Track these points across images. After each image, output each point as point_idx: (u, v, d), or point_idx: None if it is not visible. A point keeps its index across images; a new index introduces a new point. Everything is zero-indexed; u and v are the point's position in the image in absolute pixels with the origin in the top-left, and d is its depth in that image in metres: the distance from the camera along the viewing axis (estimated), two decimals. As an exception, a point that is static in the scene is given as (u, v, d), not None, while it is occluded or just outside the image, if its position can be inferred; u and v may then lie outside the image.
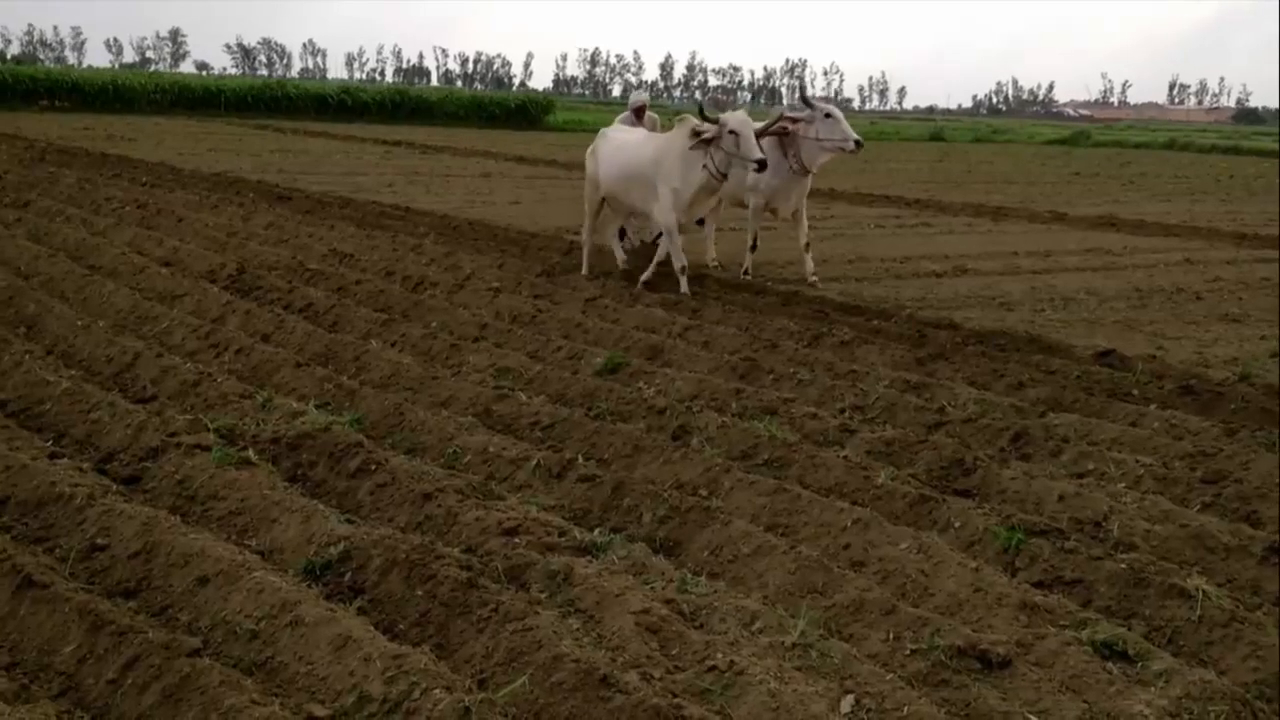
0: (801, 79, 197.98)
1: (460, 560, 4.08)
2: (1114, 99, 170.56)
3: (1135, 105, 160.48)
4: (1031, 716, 3.35)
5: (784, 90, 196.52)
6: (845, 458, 5.63)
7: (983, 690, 3.50)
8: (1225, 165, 40.06)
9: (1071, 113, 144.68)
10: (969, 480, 5.53)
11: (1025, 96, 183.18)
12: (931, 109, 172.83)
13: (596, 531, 4.71)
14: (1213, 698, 3.39)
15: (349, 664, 3.42)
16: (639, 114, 12.73)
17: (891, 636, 3.85)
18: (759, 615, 3.93)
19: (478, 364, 7.33)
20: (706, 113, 9.99)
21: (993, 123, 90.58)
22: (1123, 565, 4.34)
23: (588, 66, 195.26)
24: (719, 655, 3.55)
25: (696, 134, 9.69)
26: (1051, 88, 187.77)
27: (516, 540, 4.38)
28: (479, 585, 3.89)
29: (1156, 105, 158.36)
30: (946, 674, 3.60)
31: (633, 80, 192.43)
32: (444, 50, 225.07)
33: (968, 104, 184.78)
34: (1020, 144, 55.94)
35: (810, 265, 11.66)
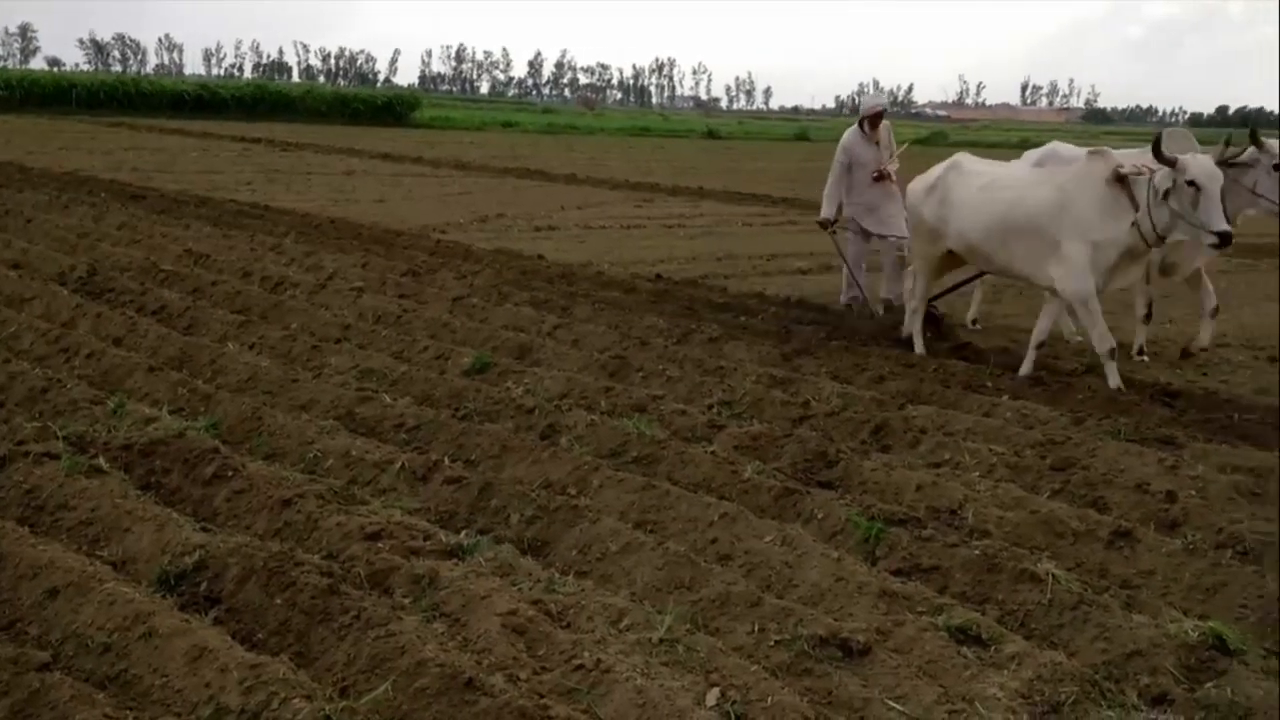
0: (670, 78, 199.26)
1: (321, 567, 4.00)
2: (970, 100, 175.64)
3: (990, 106, 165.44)
4: (890, 702, 3.42)
5: (653, 89, 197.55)
6: (713, 453, 5.68)
7: (844, 678, 3.56)
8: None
9: (930, 113, 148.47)
10: (832, 472, 5.62)
11: (886, 97, 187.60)
12: (797, 109, 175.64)
13: (463, 534, 4.66)
14: (1062, 679, 3.51)
15: (205, 675, 3.33)
16: (874, 123, 10.17)
17: (757, 628, 3.90)
18: (627, 612, 3.94)
19: (340, 366, 7.20)
20: (1163, 150, 7.02)
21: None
22: (977, 552, 4.46)
23: (454, 63, 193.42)
24: (586, 654, 3.54)
25: (1120, 176, 7.28)
26: (911, 89, 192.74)
27: (380, 545, 4.31)
28: (340, 592, 3.82)
29: (1010, 106, 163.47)
30: (809, 663, 3.65)
31: (500, 77, 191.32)
32: (305, 46, 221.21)
33: (831, 105, 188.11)
34: (882, 143, 57.15)
35: (1205, 336, 8.83)
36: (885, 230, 10.00)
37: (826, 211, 10.27)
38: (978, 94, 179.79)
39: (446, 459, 5.48)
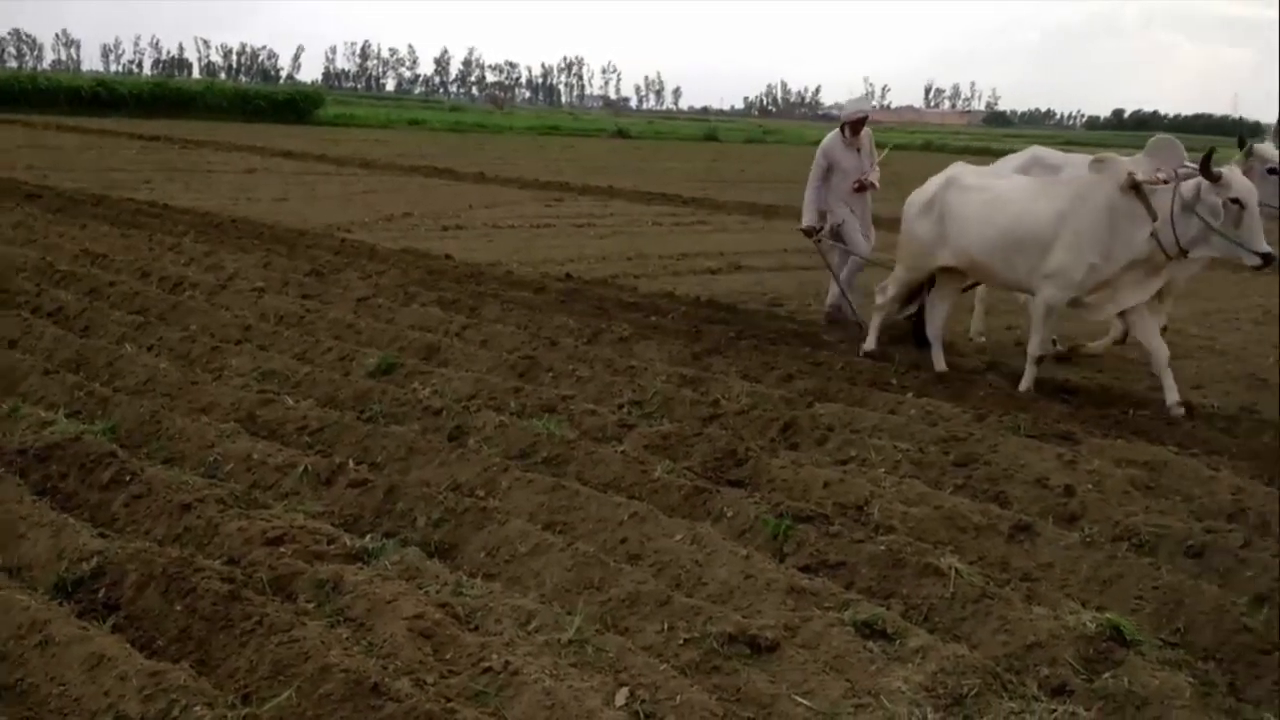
0: (580, 76, 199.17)
1: (222, 573, 3.92)
2: (875, 102, 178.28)
3: (895, 108, 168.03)
4: (797, 698, 3.45)
5: (562, 89, 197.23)
6: (623, 453, 5.68)
7: (752, 675, 3.58)
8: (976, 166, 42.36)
9: (837, 115, 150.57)
10: (741, 470, 5.65)
11: (794, 99, 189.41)
12: (706, 110, 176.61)
13: (368, 537, 4.60)
14: (965, 671, 3.57)
15: (104, 683, 3.25)
16: (855, 129, 9.90)
17: (666, 627, 3.90)
18: (535, 614, 3.92)
19: (240, 368, 7.06)
20: (1212, 164, 6.64)
21: (764, 124, 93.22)
22: (882, 547, 4.51)
23: (359, 60, 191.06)
24: (494, 657, 3.51)
25: (1135, 184, 6.96)
26: (818, 91, 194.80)
27: (282, 550, 4.23)
28: (242, 598, 3.74)
29: (914, 109, 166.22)
30: (718, 661, 3.67)
31: (406, 74, 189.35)
32: (206, 42, 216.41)
33: (740, 105, 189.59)
34: (791, 145, 57.67)
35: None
36: (853, 246, 9.82)
37: (809, 219, 9.91)
38: (883, 96, 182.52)
39: (351, 462, 5.41)
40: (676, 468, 5.52)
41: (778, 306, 10.89)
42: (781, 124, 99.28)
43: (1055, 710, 3.40)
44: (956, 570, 4.27)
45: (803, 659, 3.66)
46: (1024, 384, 7.45)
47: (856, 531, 4.74)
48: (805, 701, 3.44)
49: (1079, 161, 8.37)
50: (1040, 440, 6.11)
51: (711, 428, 6.28)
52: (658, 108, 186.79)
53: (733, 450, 5.79)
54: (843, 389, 7.26)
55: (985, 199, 7.65)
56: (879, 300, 8.50)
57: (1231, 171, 6.73)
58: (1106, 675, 3.61)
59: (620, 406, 6.69)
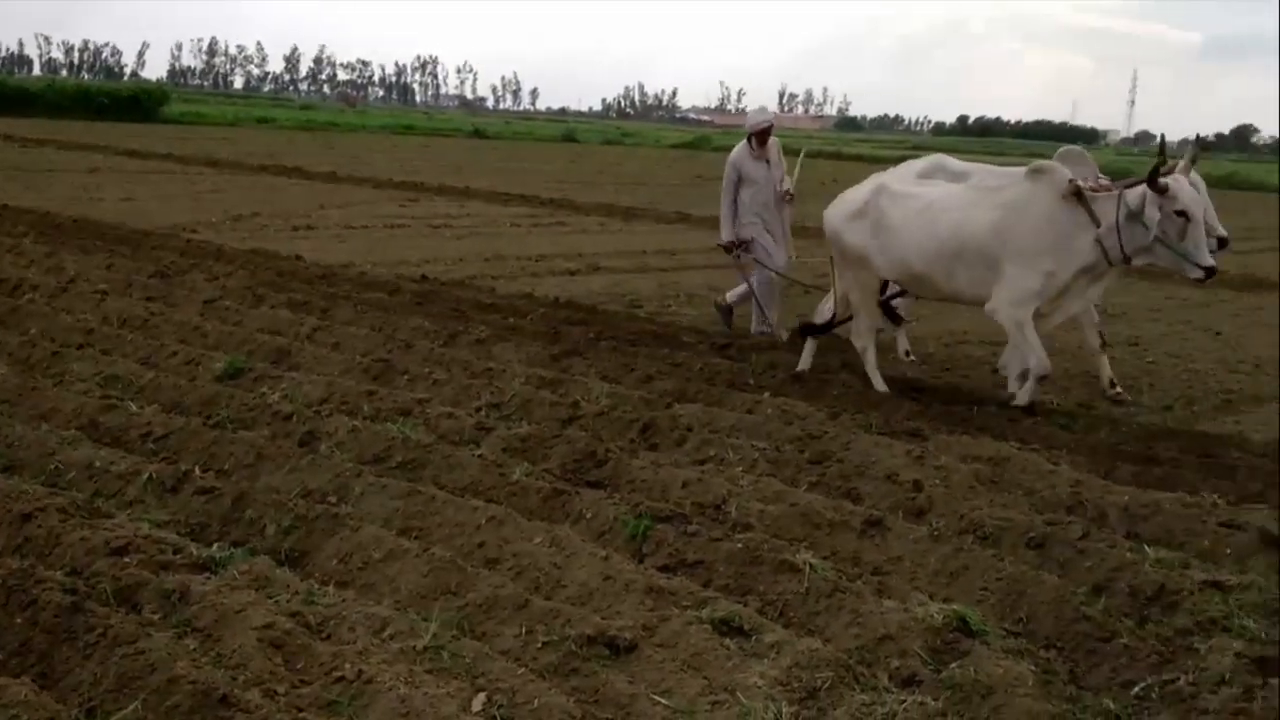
0: (435, 75, 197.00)
1: (64, 584, 3.78)
2: (731, 106, 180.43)
3: (750, 112, 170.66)
4: (656, 697, 3.47)
5: (416, 88, 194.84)
6: (481, 456, 5.64)
7: (611, 676, 3.59)
8: (830, 169, 43.15)
9: (694, 117, 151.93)
10: (601, 472, 5.66)
11: (651, 101, 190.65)
12: (564, 110, 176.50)
13: (215, 546, 4.49)
14: (819, 665, 3.63)
15: (-63, 704, 3.09)
16: (761, 139, 9.61)
17: (524, 631, 3.88)
18: (390, 621, 3.87)
19: (82, 373, 6.80)
20: (1162, 171, 6.62)
21: (622, 125, 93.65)
22: (739, 545, 4.57)
23: (206, 57, 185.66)
24: (347, 665, 3.45)
25: (1077, 191, 6.90)
26: (675, 94, 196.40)
27: (126, 560, 4.09)
28: (85, 609, 3.62)
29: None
30: (577, 663, 3.67)
31: (255, 72, 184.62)
32: (47, 38, 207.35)
33: (598, 107, 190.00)
34: (648, 147, 58.11)
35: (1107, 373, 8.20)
36: (770, 261, 9.58)
37: (727, 234, 9.66)
38: (738, 100, 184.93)
39: (197, 469, 5.28)
40: (535, 470, 5.51)
41: (637, 308, 10.94)
42: (640, 126, 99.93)
43: (905, 701, 3.49)
44: (811, 566, 4.35)
45: (661, 658, 3.68)
46: (1023, 399, 7.21)
47: (714, 530, 4.79)
48: (663, 700, 3.46)
49: (981, 170, 8.50)
50: (891, 437, 6.26)
51: (571, 429, 6.28)
52: (515, 108, 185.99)
53: (592, 452, 5.80)
54: (701, 389, 7.33)
55: (919, 207, 7.39)
56: (859, 344, 7.89)
57: (1178, 183, 6.68)
58: (953, 665, 3.71)
59: (478, 409, 6.64)
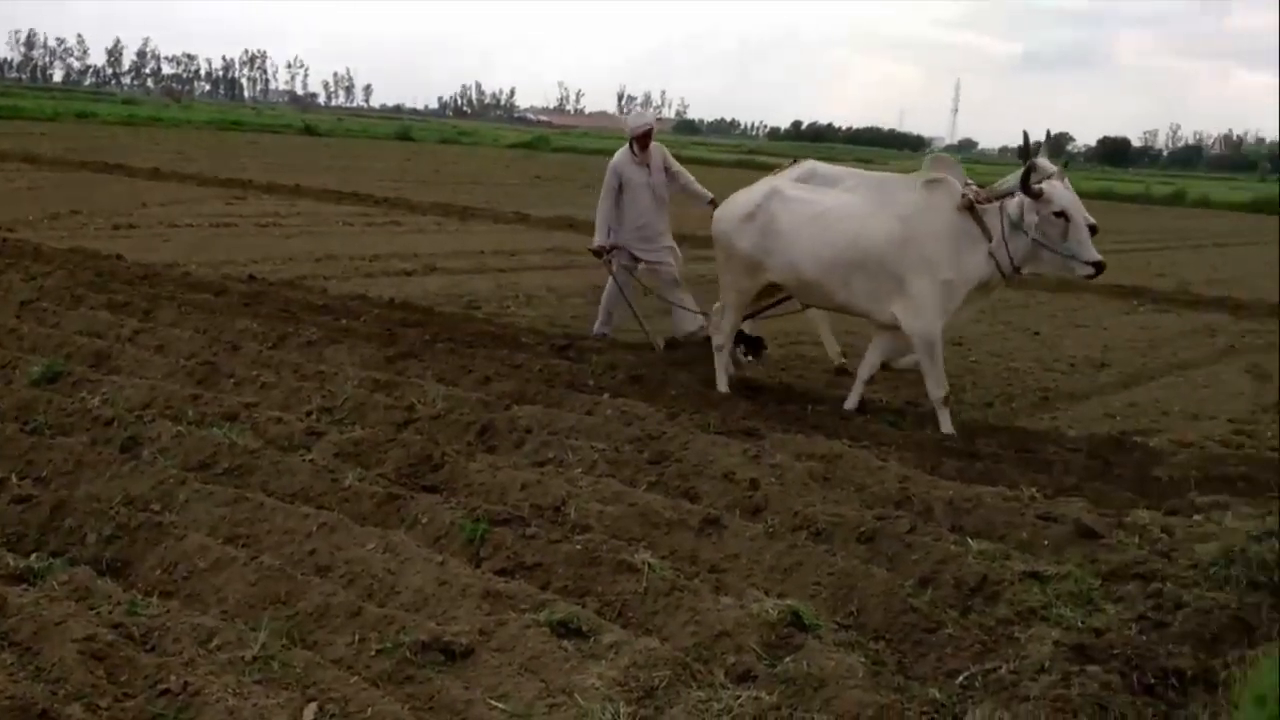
0: (264, 70, 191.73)
1: None
2: (570, 107, 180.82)
3: (590, 114, 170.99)
4: (493, 702, 3.44)
5: (245, 83, 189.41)
6: (311, 461, 5.52)
7: (446, 682, 3.54)
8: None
9: (532, 118, 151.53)
10: (437, 476, 5.59)
11: (489, 100, 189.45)
12: (399, 108, 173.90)
13: (34, 556, 4.29)
14: (656, 664, 3.65)
15: None
16: (643, 144, 9.32)
17: (357, 639, 3.81)
18: (217, 632, 3.76)
19: (-117, 378, 6.39)
20: (1033, 178, 6.79)
21: (459, 124, 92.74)
22: (578, 546, 4.57)
23: (23, 49, 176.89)
24: (172, 678, 3.34)
25: (970, 204, 6.92)
26: (513, 93, 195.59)
27: (-66, 574, 3.87)
28: (-109, 626, 3.40)
29: (608, 114, 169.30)
30: (412, 670, 3.62)
31: (75, 64, 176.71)
32: None
33: (434, 105, 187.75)
34: (486, 146, 57.69)
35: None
36: (658, 259, 9.41)
37: (600, 238, 9.42)
38: (577, 101, 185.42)
39: (14, 477, 5.06)
40: (369, 475, 5.41)
41: (475, 309, 10.84)
42: (477, 125, 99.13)
43: (740, 696, 3.53)
44: (649, 565, 4.37)
45: (498, 662, 3.65)
46: (945, 427, 7.13)
47: (553, 532, 4.77)
48: (500, 705, 3.43)
49: (854, 175, 8.50)
50: (728, 437, 6.34)
51: (406, 433, 6.18)
52: (348, 105, 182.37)
53: (428, 455, 5.72)
54: (541, 391, 7.30)
55: (814, 214, 7.26)
56: (716, 340, 7.94)
57: (1052, 186, 6.76)
58: (787, 659, 3.77)
59: (308, 413, 6.48)
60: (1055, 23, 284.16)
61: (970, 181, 7.35)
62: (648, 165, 9.35)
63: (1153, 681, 3.82)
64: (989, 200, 6.98)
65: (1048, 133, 7.95)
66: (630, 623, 4.14)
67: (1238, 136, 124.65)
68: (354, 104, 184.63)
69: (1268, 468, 6.59)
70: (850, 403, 7.48)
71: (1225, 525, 5.28)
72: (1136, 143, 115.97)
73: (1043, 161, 7.37)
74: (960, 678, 3.82)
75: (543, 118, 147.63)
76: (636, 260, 9.48)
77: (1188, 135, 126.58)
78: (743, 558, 4.75)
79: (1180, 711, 3.71)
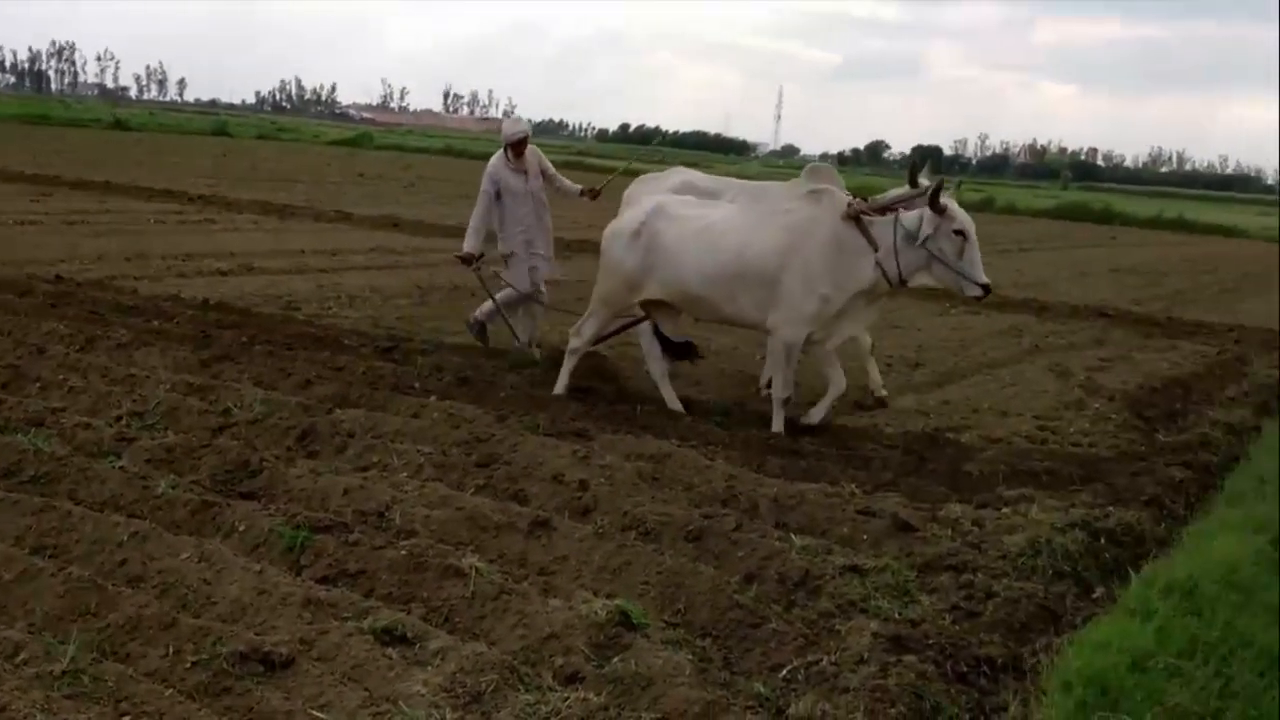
0: (73, 62, 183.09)
1: None
2: (394, 104, 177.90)
3: (414, 111, 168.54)
4: (314, 712, 3.35)
5: (52, 75, 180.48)
6: (122, 468, 5.33)
7: (266, 693, 3.45)
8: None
9: (355, 115, 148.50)
10: (255, 482, 5.45)
11: (309, 96, 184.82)
12: (215, 103, 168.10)
13: None
14: (483, 669, 3.62)
15: None
16: (518, 150, 9.11)
17: (172, 651, 3.68)
18: (24, 645, 3.61)
19: None
20: (921, 181, 7.06)
21: (278, 120, 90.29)
22: (403, 552, 4.50)
23: None
24: (-25, 695, 3.15)
25: (855, 215, 6.94)
26: (334, 89, 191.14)
27: None
28: None
29: (433, 113, 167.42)
30: (229, 681, 3.51)
31: None
32: None
33: (251, 100, 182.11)
34: (306, 143, 56.29)
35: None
36: (540, 272, 9.19)
37: (471, 245, 9.08)
38: (401, 98, 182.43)
39: None
40: (182, 482, 5.25)
41: (294, 310, 10.56)
42: (297, 121, 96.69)
43: (568, 698, 3.53)
44: (477, 569, 4.34)
45: (319, 672, 3.57)
46: (776, 425, 7.20)
47: (377, 538, 4.69)
48: (321, 715, 3.35)
49: (731, 184, 8.52)
50: (557, 438, 6.33)
51: (222, 438, 6.00)
52: (161, 99, 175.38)
53: (245, 461, 5.56)
54: (364, 394, 7.16)
55: (698, 228, 7.25)
56: (574, 343, 7.85)
57: (953, 203, 6.83)
58: (615, 659, 3.79)
59: (118, 418, 6.23)
60: (871, 33, 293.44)
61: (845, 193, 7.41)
62: (525, 172, 9.20)
63: (966, 670, 3.98)
64: (875, 211, 7.07)
65: (928, 150, 7.98)
66: (457, 628, 4.10)
67: (1041, 146, 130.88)
68: (167, 98, 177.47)
69: (1070, 462, 6.92)
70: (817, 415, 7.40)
71: (1031, 517, 5.53)
72: (948, 151, 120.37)
73: (924, 180, 7.52)
74: (784, 671, 3.90)
75: (366, 114, 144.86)
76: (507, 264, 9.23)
77: (995, 144, 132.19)
78: (572, 559, 4.76)
79: (992, 698, 3.87)
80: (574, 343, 7.86)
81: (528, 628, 4.00)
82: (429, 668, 3.65)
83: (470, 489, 5.59)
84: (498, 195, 9.15)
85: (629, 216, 7.63)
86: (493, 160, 9.30)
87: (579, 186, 9.45)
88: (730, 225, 7.22)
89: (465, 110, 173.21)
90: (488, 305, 9.32)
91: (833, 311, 7.03)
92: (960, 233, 6.78)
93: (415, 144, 59.73)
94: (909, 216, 6.90)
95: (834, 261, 6.92)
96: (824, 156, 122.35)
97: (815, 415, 7.40)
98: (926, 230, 6.77)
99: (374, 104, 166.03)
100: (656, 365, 7.91)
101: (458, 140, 68.01)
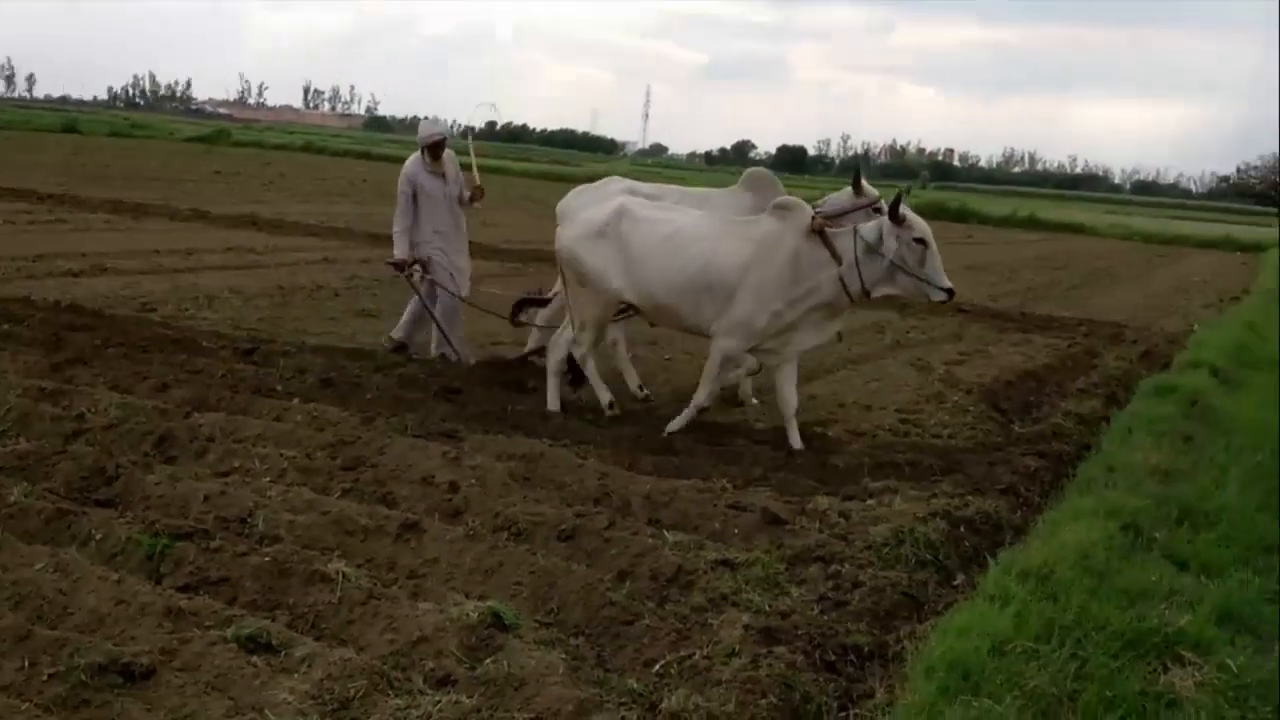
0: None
1: None
2: (252, 100, 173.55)
3: (273, 107, 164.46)
4: (177, 723, 3.26)
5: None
6: (-30, 477, 5.08)
7: (126, 705, 3.35)
8: (361, 169, 42.63)
9: (211, 110, 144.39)
10: (111, 489, 5.28)
11: (163, 92, 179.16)
12: (65, 99, 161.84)
13: None
14: (352, 675, 3.56)
15: None
16: (435, 153, 8.88)
17: (27, 664, 3.56)
18: None
19: None
20: (865, 185, 7.21)
21: (132, 116, 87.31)
22: (267, 559, 4.41)
23: None
24: None
25: (821, 229, 6.84)
26: (190, 84, 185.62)
27: None
28: None
29: (293, 109, 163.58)
30: (88, 694, 3.40)
31: None
32: None
33: (104, 96, 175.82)
34: (161, 140, 54.50)
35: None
36: (451, 283, 8.94)
37: (401, 251, 8.85)
38: (260, 94, 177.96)
39: None
40: (35, 490, 5.07)
41: (150, 311, 10.23)
42: (151, 117, 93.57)
43: (440, 701, 3.49)
44: (344, 574, 4.27)
45: (181, 682, 3.47)
46: (675, 425, 7.15)
47: (240, 545, 4.59)
48: (185, 727, 3.26)
49: (671, 193, 8.36)
50: (427, 439, 6.26)
51: (76, 444, 5.80)
52: (9, 95, 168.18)
53: (101, 468, 5.39)
54: (224, 397, 6.98)
55: (666, 234, 7.08)
56: (579, 352, 7.56)
57: (911, 213, 6.85)
58: (488, 661, 3.76)
59: (-36, 426, 5.95)
60: (737, 34, 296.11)
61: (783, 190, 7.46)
62: (443, 175, 8.98)
63: (834, 658, 4.05)
64: (826, 222, 7.00)
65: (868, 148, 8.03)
66: (324, 634, 4.03)
67: (901, 146, 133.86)
68: (15, 94, 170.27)
69: (931, 453, 7.10)
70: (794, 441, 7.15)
71: (895, 508, 5.66)
72: (812, 151, 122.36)
73: (868, 187, 7.63)
74: (656, 666, 3.92)
75: (223, 110, 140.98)
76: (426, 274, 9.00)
77: (857, 145, 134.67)
78: (442, 561, 4.71)
79: (859, 685, 3.95)
80: (578, 351, 7.56)
81: (397, 632, 3.95)
82: (295, 675, 3.58)
83: (336, 493, 5.49)
84: (414, 199, 8.92)
85: (589, 218, 7.39)
86: (409, 162, 9.06)
87: (467, 194, 9.20)
88: (698, 234, 7.09)
89: (326, 106, 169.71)
90: (406, 320, 9.04)
91: (782, 326, 6.96)
92: (921, 240, 6.79)
93: (275, 140, 58.34)
94: (868, 229, 6.89)
95: (793, 277, 6.86)
96: (691, 156, 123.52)
97: (795, 440, 7.17)
98: (887, 240, 6.78)
99: (231, 100, 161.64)
100: (556, 355, 7.77)
101: (318, 137, 66.70)
